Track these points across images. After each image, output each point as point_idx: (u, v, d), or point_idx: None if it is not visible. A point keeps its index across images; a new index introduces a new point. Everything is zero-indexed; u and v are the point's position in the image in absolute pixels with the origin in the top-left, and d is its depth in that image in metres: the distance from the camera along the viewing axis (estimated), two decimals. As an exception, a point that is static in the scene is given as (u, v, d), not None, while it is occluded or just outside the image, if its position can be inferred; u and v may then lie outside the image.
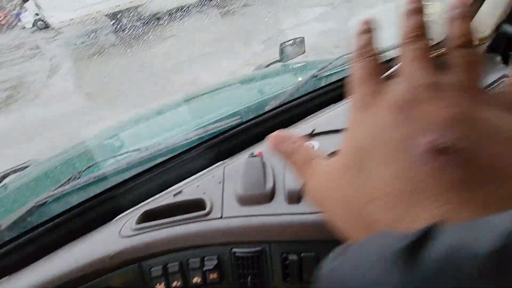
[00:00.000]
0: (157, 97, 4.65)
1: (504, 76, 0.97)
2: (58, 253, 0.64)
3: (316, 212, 0.57)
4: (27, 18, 13.47)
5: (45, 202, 0.76)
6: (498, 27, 0.98)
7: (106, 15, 10.96)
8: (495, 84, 0.94)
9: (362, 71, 0.25)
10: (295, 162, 0.29)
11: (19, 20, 14.60)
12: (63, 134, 4.01)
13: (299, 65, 1.80)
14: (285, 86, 1.54)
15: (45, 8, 9.33)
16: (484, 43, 1.04)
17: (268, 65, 1.92)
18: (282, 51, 1.77)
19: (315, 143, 0.66)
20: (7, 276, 0.62)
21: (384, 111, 0.22)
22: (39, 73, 7.63)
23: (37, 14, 10.81)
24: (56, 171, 1.21)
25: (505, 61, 1.06)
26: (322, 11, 7.43)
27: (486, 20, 0.99)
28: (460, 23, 0.24)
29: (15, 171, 1.34)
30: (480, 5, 0.99)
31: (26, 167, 1.36)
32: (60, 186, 0.79)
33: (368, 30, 0.28)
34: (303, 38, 1.82)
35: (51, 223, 0.71)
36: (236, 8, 10.61)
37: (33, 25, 13.12)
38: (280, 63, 1.83)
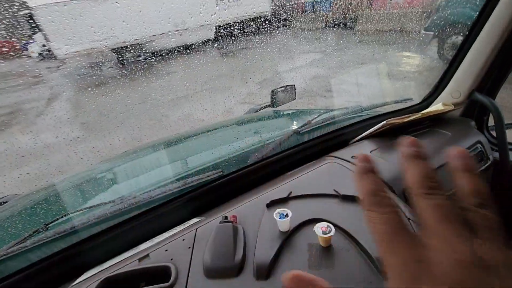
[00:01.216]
0: (152, 130, 4.72)
1: (478, 142, 1.03)
2: None
3: None
4: (34, 48, 14.00)
5: (5, 258, 0.70)
6: (470, 94, 1.06)
7: (111, 49, 11.47)
8: (470, 150, 0.99)
9: (393, 227, 0.24)
10: None
11: (26, 49, 15.15)
12: (47, 166, 3.97)
13: (289, 112, 1.88)
14: (273, 132, 1.58)
15: (53, 40, 9.74)
16: (458, 108, 1.13)
17: (259, 110, 2.00)
18: (273, 97, 1.86)
19: (288, 211, 0.65)
20: None
21: None
22: (38, 101, 7.74)
23: (44, 45, 11.25)
24: (27, 214, 1.13)
25: (479, 127, 1.14)
26: (315, 57, 7.91)
27: (459, 87, 1.09)
28: (470, 177, 0.24)
29: None
30: (454, 71, 1.09)
31: (3, 202, 1.31)
32: (22, 240, 0.73)
33: (371, 169, 0.28)
34: (294, 85, 1.92)
35: (8, 281, 0.66)
36: (236, 50, 11.25)
37: (39, 55, 13.60)
38: (271, 108, 1.91)
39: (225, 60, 10.15)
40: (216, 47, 12.33)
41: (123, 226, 0.77)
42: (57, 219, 0.84)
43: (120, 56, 11.59)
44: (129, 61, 11.71)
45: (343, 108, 1.34)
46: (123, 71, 10.72)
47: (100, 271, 0.64)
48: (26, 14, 10.28)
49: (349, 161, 0.89)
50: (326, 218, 0.64)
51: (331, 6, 13.23)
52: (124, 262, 0.66)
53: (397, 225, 0.24)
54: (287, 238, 0.62)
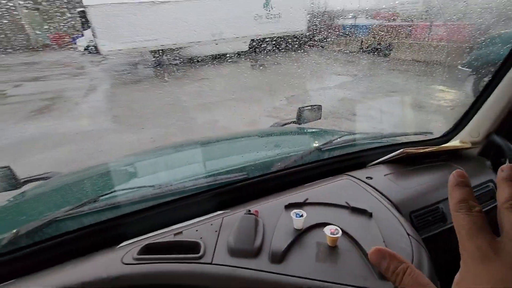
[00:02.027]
0: (178, 131, 4.90)
1: (491, 180, 1.04)
2: (64, 266, 0.70)
3: (294, 276, 0.62)
4: (82, 42, 15.15)
5: (63, 218, 0.84)
6: (488, 136, 1.07)
7: (150, 51, 12.18)
8: (482, 187, 1.00)
9: (472, 225, 0.30)
10: (402, 282, 0.33)
11: (75, 43, 16.43)
12: (81, 150, 4.23)
13: (312, 130, 1.92)
14: (295, 147, 1.64)
15: (100, 37, 10.51)
16: (475, 147, 1.13)
17: (284, 125, 2.06)
18: (299, 114, 1.92)
19: (303, 212, 0.74)
20: (14, 279, 0.68)
21: (503, 269, 0.27)
22: (77, 91, 8.28)
23: (91, 41, 12.15)
24: (75, 189, 1.30)
25: (495, 168, 1.13)
26: (345, 80, 7.92)
27: (479, 127, 1.10)
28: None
29: (36, 180, 1.45)
30: (476, 112, 1.10)
31: (47, 178, 1.47)
32: (78, 207, 0.87)
33: (465, 183, 0.33)
34: (321, 106, 1.97)
35: (64, 238, 0.79)
36: (267, 64, 11.52)
37: (85, 49, 14.69)
38: (296, 125, 1.96)
39: (255, 72, 10.41)
40: (248, 59, 12.71)
41: (160, 208, 0.88)
42: (107, 194, 0.98)
43: (157, 58, 12.27)
44: (165, 63, 12.36)
45: (364, 133, 1.39)
46: (158, 72, 11.30)
47: (140, 240, 0.76)
48: (80, 11, 11.20)
49: (363, 181, 0.96)
50: (335, 223, 0.72)
51: (368, 31, 13.27)
52: (160, 235, 0.77)
53: (477, 224, 0.30)
54: (300, 234, 0.72)
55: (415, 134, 1.36)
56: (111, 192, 1.00)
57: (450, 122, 1.23)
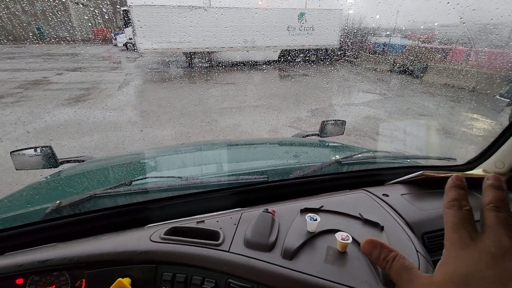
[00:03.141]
0: (200, 132, 5.03)
1: None
2: (100, 237, 0.79)
3: (302, 272, 0.65)
4: (122, 39, 16.11)
5: (102, 195, 0.94)
6: None
7: (183, 52, 12.67)
8: None
9: (459, 220, 0.35)
10: (391, 268, 0.38)
11: (115, 39, 17.47)
12: (108, 140, 4.46)
13: (334, 144, 1.92)
14: (315, 158, 1.64)
15: (139, 36, 11.10)
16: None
17: (306, 136, 2.06)
18: (322, 128, 1.92)
19: (317, 216, 0.77)
20: (56, 243, 0.78)
21: (479, 254, 0.32)
22: (112, 83, 8.75)
23: (130, 39, 12.85)
24: (110, 172, 1.41)
25: None
26: (373, 98, 7.76)
27: (504, 158, 1.05)
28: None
29: (72, 161, 1.60)
30: (503, 142, 1.05)
31: (82, 160, 1.62)
32: (115, 187, 0.97)
33: (460, 186, 0.39)
34: (345, 121, 1.96)
35: (101, 213, 0.88)
36: (296, 75, 11.57)
37: (124, 45, 15.57)
38: (318, 138, 1.96)
39: (282, 82, 10.47)
40: (277, 69, 12.85)
41: (186, 198, 0.96)
42: (140, 179, 1.08)
43: (189, 60, 12.73)
44: (196, 65, 12.79)
45: (385, 151, 1.36)
46: (188, 73, 11.70)
47: (166, 223, 0.84)
48: (124, 10, 11.91)
49: (379, 197, 0.96)
50: (347, 231, 0.74)
51: (401, 51, 12.97)
52: (185, 221, 0.84)
53: (463, 219, 0.35)
54: (312, 237, 0.76)
55: (438, 158, 1.33)
56: (143, 178, 1.09)
57: (478, 150, 1.19)
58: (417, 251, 0.71)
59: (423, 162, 1.31)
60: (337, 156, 1.27)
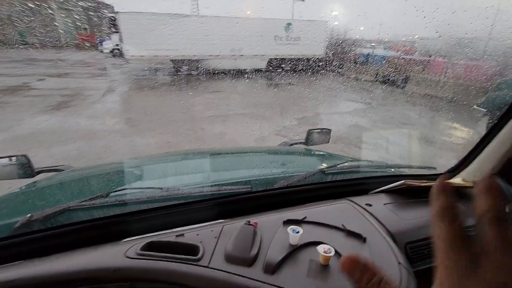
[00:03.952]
0: (187, 140, 4.97)
1: None
2: (73, 253, 0.74)
3: None
4: (108, 45, 15.89)
5: (76, 208, 0.89)
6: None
7: (170, 60, 12.61)
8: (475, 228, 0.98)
9: (453, 236, 0.28)
10: None
11: (101, 45, 17.21)
12: (91, 148, 4.33)
13: (319, 153, 1.93)
14: (300, 167, 1.65)
15: (126, 43, 10.98)
16: None
17: (292, 144, 2.07)
18: (308, 136, 1.93)
19: (300, 228, 0.77)
20: (24, 260, 0.72)
21: (488, 286, 0.25)
22: (96, 90, 8.56)
23: (117, 45, 12.70)
24: (87, 183, 1.35)
25: None
26: (358, 107, 7.94)
27: (481, 168, 1.09)
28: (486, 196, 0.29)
29: (49, 171, 1.50)
30: (480, 152, 1.09)
31: (60, 170, 1.53)
32: (91, 199, 0.91)
33: (449, 192, 0.31)
34: (330, 130, 1.99)
35: (75, 227, 0.83)
36: (283, 84, 11.71)
37: (110, 52, 15.35)
38: (304, 146, 1.98)
39: (270, 91, 10.57)
40: (264, 78, 12.96)
41: (166, 210, 0.93)
42: (117, 190, 1.02)
43: (176, 67, 12.66)
44: (183, 73, 12.73)
45: (368, 161, 1.39)
46: (175, 80, 11.62)
47: (144, 237, 0.80)
48: (111, 17, 11.79)
49: (363, 207, 0.97)
50: (330, 244, 0.74)
51: (385, 61, 13.41)
52: (163, 235, 0.81)
53: (458, 236, 0.29)
54: (294, 250, 0.75)
55: (419, 167, 1.36)
56: (121, 190, 1.04)
57: (457, 159, 1.23)
58: (398, 263, 0.72)
59: (404, 171, 1.34)
60: (322, 166, 1.28)
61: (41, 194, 1.29)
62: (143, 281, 0.67)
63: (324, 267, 0.69)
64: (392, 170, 1.34)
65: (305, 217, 0.86)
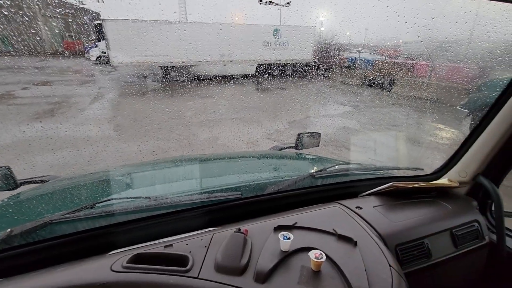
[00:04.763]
0: (178, 146, 4.94)
1: (476, 221, 1.07)
2: (55, 269, 0.71)
3: None
4: (95, 52, 15.67)
5: (59, 221, 0.85)
6: (475, 177, 1.11)
7: (159, 66, 12.54)
8: (467, 226, 1.03)
9: None
10: None
11: (88, 52, 16.95)
12: (79, 156, 4.24)
13: (310, 156, 1.96)
14: (291, 171, 1.66)
15: (113, 49, 10.86)
16: (463, 187, 1.16)
17: (282, 149, 2.10)
18: (299, 140, 1.96)
19: (291, 234, 0.76)
20: (3, 279, 0.68)
21: None
22: (84, 97, 8.41)
23: (104, 52, 12.54)
24: (72, 194, 1.30)
25: (482, 209, 1.16)
26: (347, 110, 8.08)
27: (466, 168, 1.14)
28: None
29: (33, 182, 1.45)
30: (465, 152, 1.15)
31: (45, 181, 1.48)
32: (75, 211, 0.88)
33: None
34: (320, 133, 2.02)
35: (57, 241, 0.80)
36: (272, 88, 11.80)
37: (97, 59, 15.14)
38: (294, 150, 2.00)
39: (260, 95, 10.63)
40: (254, 82, 13.03)
41: (153, 220, 0.91)
42: (103, 201, 1.00)
43: (165, 73, 12.59)
44: (172, 79, 12.66)
45: (357, 163, 1.42)
46: (165, 87, 11.54)
47: (130, 249, 0.77)
48: (97, 24, 11.66)
49: (353, 210, 0.99)
50: (321, 249, 0.74)
51: (371, 65, 13.72)
52: (151, 246, 0.79)
53: None
54: (286, 256, 0.74)
55: (407, 169, 1.39)
56: (108, 200, 1.02)
57: (443, 159, 1.28)
58: (390, 266, 0.73)
59: (393, 173, 1.37)
60: (313, 169, 1.30)
61: (22, 207, 1.24)
62: None
63: (316, 273, 0.69)
64: (381, 172, 1.37)
65: (295, 223, 0.86)
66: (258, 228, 0.85)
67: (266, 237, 0.81)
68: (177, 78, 12.75)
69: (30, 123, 5.84)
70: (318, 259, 0.68)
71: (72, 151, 4.42)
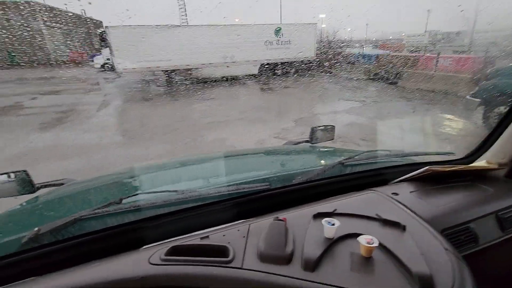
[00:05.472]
0: (186, 148, 4.93)
1: None
2: (89, 265, 0.69)
3: (329, 285, 0.59)
4: (99, 60, 15.88)
5: (88, 217, 0.83)
6: None
7: (162, 70, 12.63)
8: (509, 210, 0.97)
9: None
10: None
11: (92, 60, 17.21)
12: (89, 162, 4.26)
13: (325, 149, 1.92)
14: (314, 164, 1.62)
15: (117, 57, 10.97)
16: (502, 169, 1.11)
17: (297, 143, 2.06)
18: (312, 134, 1.92)
19: (335, 221, 0.72)
20: (37, 277, 0.66)
21: None
22: (91, 105, 8.50)
23: (108, 59, 12.69)
24: (95, 192, 1.29)
25: None
26: (353, 105, 7.99)
27: (504, 150, 1.08)
28: None
29: (50, 185, 1.45)
30: (501, 132, 1.09)
31: (61, 184, 1.47)
32: (103, 207, 0.86)
33: None
34: (334, 126, 1.97)
35: (90, 237, 0.78)
36: (277, 87, 11.78)
37: (101, 67, 15.33)
38: (309, 144, 1.96)
39: (265, 95, 10.61)
40: (258, 82, 13.03)
41: (183, 213, 0.88)
42: (130, 196, 0.96)
43: (169, 78, 12.68)
44: (177, 83, 12.74)
45: (386, 150, 1.36)
46: (169, 90, 11.61)
47: (165, 242, 0.75)
48: (101, 32, 11.80)
49: (389, 196, 0.94)
50: (368, 234, 0.70)
51: (375, 60, 13.60)
52: (186, 239, 0.76)
53: None
54: (332, 243, 0.70)
55: (437, 154, 1.33)
56: (135, 195, 0.99)
57: (459, 149, 1.22)
58: (445, 249, 0.68)
59: (423, 159, 1.32)
60: (339, 158, 1.25)
61: (46, 208, 1.23)
62: None
63: (367, 260, 0.65)
64: (410, 158, 1.32)
65: (335, 210, 0.83)
66: (296, 217, 0.82)
67: (305, 225, 0.78)
68: (181, 81, 12.82)
69: (39, 132, 5.91)
70: (370, 244, 0.64)
71: (81, 158, 4.44)
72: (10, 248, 0.76)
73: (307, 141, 1.97)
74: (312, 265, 0.64)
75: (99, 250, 0.75)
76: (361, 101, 8.55)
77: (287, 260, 0.66)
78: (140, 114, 7.66)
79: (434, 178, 1.05)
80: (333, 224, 0.71)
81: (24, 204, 1.26)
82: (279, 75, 14.27)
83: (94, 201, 1.21)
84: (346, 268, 0.63)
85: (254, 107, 8.00)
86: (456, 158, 1.24)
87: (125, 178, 1.46)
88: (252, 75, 14.43)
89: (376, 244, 0.65)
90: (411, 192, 0.99)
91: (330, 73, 14.62)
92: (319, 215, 0.80)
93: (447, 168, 1.03)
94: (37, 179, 1.42)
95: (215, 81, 13.14)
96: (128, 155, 4.57)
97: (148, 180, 1.41)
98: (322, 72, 14.85)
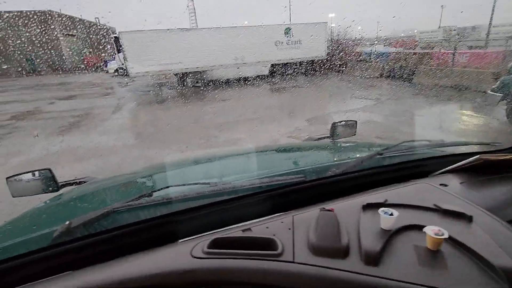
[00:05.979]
0: (200, 149, 4.94)
1: None
2: (128, 258, 0.66)
3: (396, 280, 0.54)
4: (113, 65, 16.27)
5: (122, 209, 0.81)
6: None
7: (174, 74, 12.79)
8: None
9: None
10: None
11: (106, 65, 17.65)
12: (105, 164, 4.33)
13: (347, 144, 1.86)
14: (339, 159, 1.56)
15: (130, 61, 11.18)
16: None
17: (318, 139, 2.01)
18: (333, 130, 1.86)
19: (393, 211, 0.67)
20: (74, 271, 0.64)
21: None
22: (105, 108, 8.67)
23: (121, 64, 12.95)
24: (124, 187, 1.29)
25: None
26: (367, 103, 7.83)
27: None
28: None
29: (73, 184, 1.47)
30: None
31: (83, 182, 1.49)
32: (137, 199, 0.83)
33: None
34: (356, 121, 1.91)
35: (124, 230, 0.75)
36: (288, 87, 11.71)
37: (115, 71, 15.70)
38: (329, 140, 1.91)
39: (276, 95, 10.56)
40: (269, 82, 12.99)
41: (220, 205, 0.84)
42: (162, 189, 0.94)
43: (181, 80, 12.82)
44: (188, 85, 12.87)
45: (425, 140, 1.29)
46: (181, 93, 11.74)
47: (204, 235, 0.71)
48: (115, 37, 12.06)
49: (438, 188, 0.87)
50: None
51: (388, 57, 13.33)
52: (227, 231, 0.72)
53: None
54: (392, 235, 0.64)
55: (481, 143, 1.24)
56: (167, 188, 0.96)
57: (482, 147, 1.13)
58: None
59: (468, 149, 1.23)
60: (358, 155, 1.19)
61: (73, 204, 1.23)
62: (218, 284, 0.59)
63: (435, 253, 0.59)
64: (452, 148, 1.24)
65: (386, 200, 0.76)
66: (343, 207, 0.77)
67: (355, 215, 0.72)
68: (193, 84, 12.94)
69: (58, 136, 6.07)
70: (439, 235, 0.58)
71: (97, 160, 4.51)
72: (42, 242, 0.75)
73: (327, 137, 1.92)
74: (374, 259, 0.58)
75: (133, 244, 0.72)
76: (375, 99, 8.38)
77: (344, 253, 0.60)
78: (153, 116, 7.76)
79: (483, 168, 0.97)
80: (391, 214, 0.65)
81: (48, 201, 1.28)
82: (290, 75, 14.20)
83: (123, 196, 1.19)
84: (412, 262, 0.57)
85: (266, 107, 7.97)
86: (505, 147, 1.15)
87: (151, 173, 1.45)
88: (263, 75, 14.41)
89: (446, 235, 0.58)
90: (461, 183, 0.90)
91: (342, 72, 14.42)
92: (369, 206, 0.75)
93: (500, 157, 0.94)
94: (58, 179, 1.44)
95: (226, 83, 13.19)
96: (143, 156, 4.62)
97: (176, 174, 1.38)
98: (333, 71, 14.67)
